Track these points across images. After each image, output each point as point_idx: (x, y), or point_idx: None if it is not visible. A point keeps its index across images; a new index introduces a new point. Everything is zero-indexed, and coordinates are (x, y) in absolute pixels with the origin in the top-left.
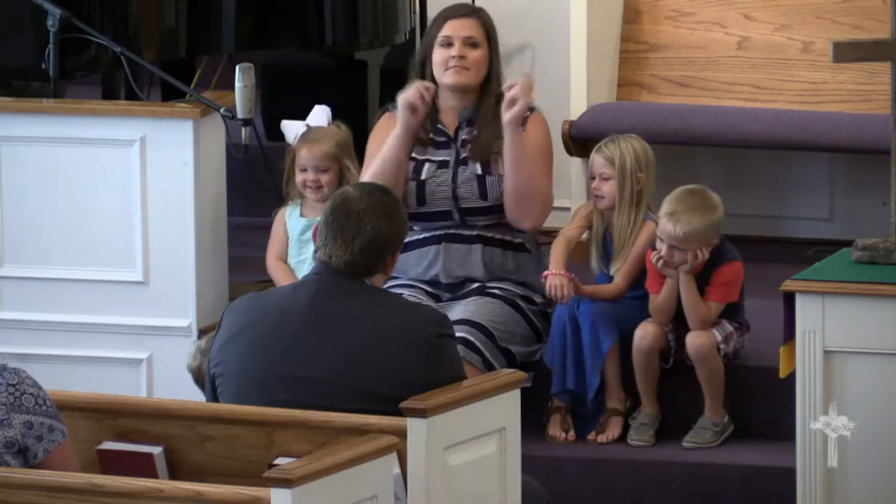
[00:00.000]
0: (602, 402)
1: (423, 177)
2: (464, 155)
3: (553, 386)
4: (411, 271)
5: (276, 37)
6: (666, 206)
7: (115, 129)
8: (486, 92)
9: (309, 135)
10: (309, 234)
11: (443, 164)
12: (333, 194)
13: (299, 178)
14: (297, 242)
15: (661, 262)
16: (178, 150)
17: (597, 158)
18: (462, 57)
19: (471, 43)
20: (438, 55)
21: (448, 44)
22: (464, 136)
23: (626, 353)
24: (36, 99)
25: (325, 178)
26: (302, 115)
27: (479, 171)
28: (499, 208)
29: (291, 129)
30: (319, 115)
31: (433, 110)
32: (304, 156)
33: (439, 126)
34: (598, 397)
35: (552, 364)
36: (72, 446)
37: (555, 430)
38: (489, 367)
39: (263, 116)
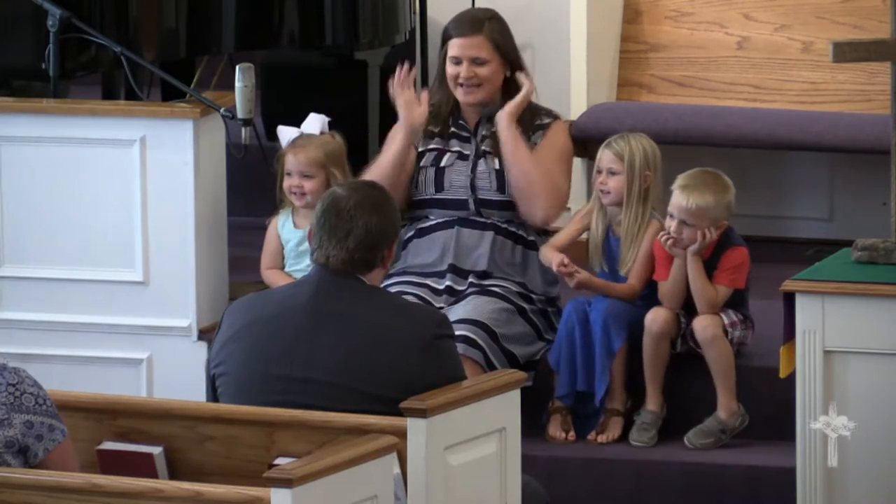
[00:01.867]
0: (603, 403)
1: (442, 164)
2: (483, 148)
3: (558, 388)
4: (422, 257)
5: (277, 37)
6: (679, 181)
7: (115, 129)
8: (510, 92)
9: (298, 141)
10: (304, 245)
11: (463, 157)
12: (323, 195)
13: (286, 183)
14: (293, 254)
15: (670, 241)
16: (178, 150)
17: (605, 153)
18: (470, 78)
19: (478, 62)
20: (449, 70)
21: (456, 63)
22: (483, 132)
23: (633, 355)
24: (36, 99)
25: (308, 185)
26: (301, 115)
27: (498, 167)
28: (514, 205)
29: (286, 134)
30: (314, 122)
31: (455, 107)
32: (290, 160)
33: (461, 122)
34: (592, 400)
35: (558, 365)
36: (72, 446)
37: (555, 430)
38: (490, 365)
39: (263, 116)
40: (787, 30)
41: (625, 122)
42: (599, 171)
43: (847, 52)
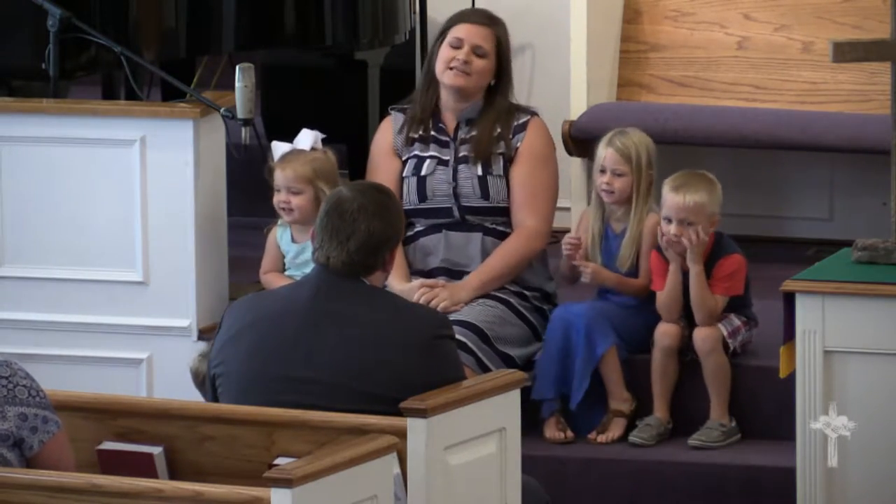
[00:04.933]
0: (603, 404)
1: (423, 172)
2: (462, 153)
3: (533, 392)
4: (413, 263)
5: (276, 37)
6: (670, 183)
7: (115, 129)
8: (490, 102)
9: (287, 156)
10: (302, 257)
11: (443, 162)
12: (328, 195)
13: (275, 198)
14: (292, 265)
15: (667, 242)
16: (178, 150)
17: (609, 153)
18: (466, 62)
19: (479, 52)
20: (444, 52)
21: (457, 46)
22: (462, 136)
23: (630, 358)
24: (36, 99)
25: (295, 201)
26: (301, 115)
27: (480, 172)
28: (499, 210)
29: (279, 149)
30: (305, 138)
31: (435, 109)
32: (278, 176)
33: (441, 125)
34: (594, 399)
35: (541, 371)
36: (66, 437)
37: (552, 432)
38: (483, 368)
39: (263, 116)
40: (787, 30)
41: (624, 122)
42: (603, 171)
43: (847, 52)
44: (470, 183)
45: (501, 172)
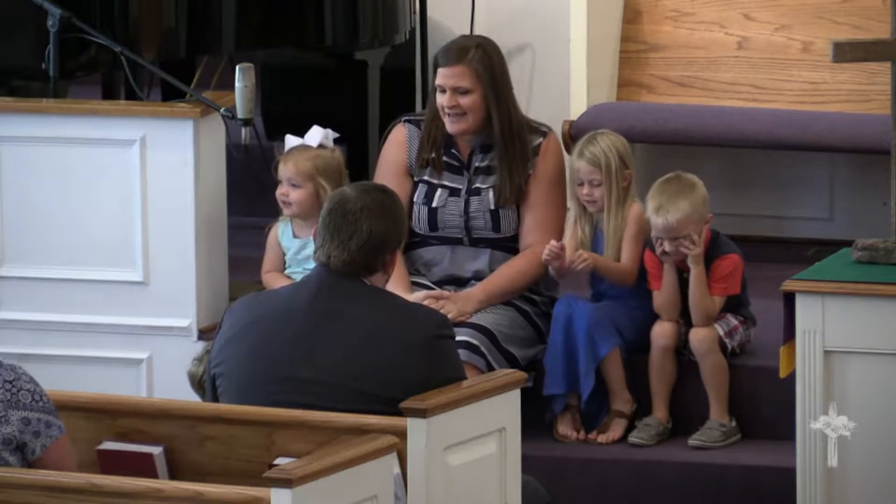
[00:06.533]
0: (606, 403)
1: (434, 204)
2: (476, 185)
3: (545, 388)
4: (419, 269)
5: (276, 37)
6: (650, 204)
7: (115, 129)
8: (497, 126)
9: (292, 150)
10: (304, 253)
11: (455, 192)
12: (331, 194)
13: (277, 191)
14: (293, 261)
15: (664, 254)
16: (178, 150)
17: (582, 165)
18: (454, 106)
19: (461, 91)
20: (437, 98)
21: (442, 91)
22: (477, 164)
23: (632, 357)
24: (36, 99)
25: (294, 195)
26: (301, 115)
27: (493, 206)
28: (509, 239)
29: (289, 143)
30: (314, 135)
31: (447, 135)
32: (281, 168)
33: (453, 151)
34: (599, 399)
35: (549, 367)
36: (69, 442)
37: (566, 429)
38: (492, 371)
39: (263, 116)
40: (787, 30)
41: (625, 122)
42: (581, 183)
43: (847, 52)
44: (482, 216)
45: (515, 206)
